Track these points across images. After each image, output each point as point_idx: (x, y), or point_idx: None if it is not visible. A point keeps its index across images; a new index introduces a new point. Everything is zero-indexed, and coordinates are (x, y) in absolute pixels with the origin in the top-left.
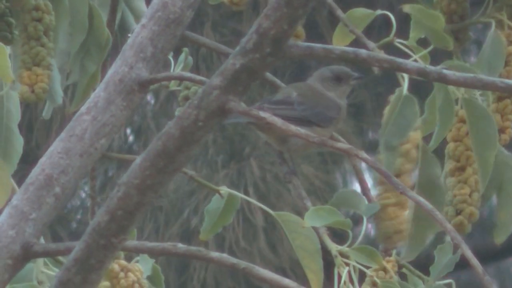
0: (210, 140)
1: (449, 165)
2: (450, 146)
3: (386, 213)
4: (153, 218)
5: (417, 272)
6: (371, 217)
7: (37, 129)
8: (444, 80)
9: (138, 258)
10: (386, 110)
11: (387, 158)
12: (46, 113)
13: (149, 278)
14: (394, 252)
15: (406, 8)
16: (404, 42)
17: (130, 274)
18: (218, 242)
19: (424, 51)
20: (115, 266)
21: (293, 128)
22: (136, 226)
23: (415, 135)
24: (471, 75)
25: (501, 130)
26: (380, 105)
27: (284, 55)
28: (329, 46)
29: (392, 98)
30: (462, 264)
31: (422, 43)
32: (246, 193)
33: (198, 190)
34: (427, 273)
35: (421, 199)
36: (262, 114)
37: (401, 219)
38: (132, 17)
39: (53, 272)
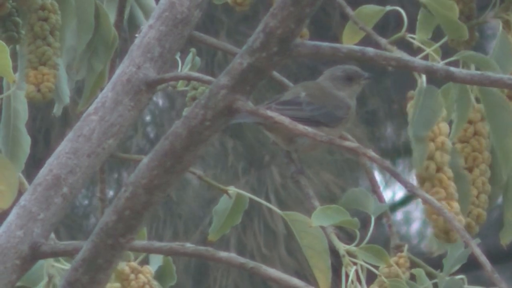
0: (230, 147)
1: None
2: (457, 147)
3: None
4: (172, 226)
5: (429, 267)
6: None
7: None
8: (451, 77)
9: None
10: (409, 106)
11: (418, 150)
12: (57, 110)
13: (160, 269)
14: (406, 248)
15: None
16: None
17: (140, 276)
18: (240, 249)
19: (436, 45)
20: (125, 268)
21: (301, 127)
22: (154, 234)
23: (444, 126)
24: (478, 72)
25: None
26: (393, 111)
27: (291, 54)
28: (336, 45)
29: (413, 93)
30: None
31: (434, 37)
32: (267, 199)
33: (219, 197)
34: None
35: (429, 197)
36: (270, 113)
37: (456, 210)
38: (141, 13)
39: (64, 266)
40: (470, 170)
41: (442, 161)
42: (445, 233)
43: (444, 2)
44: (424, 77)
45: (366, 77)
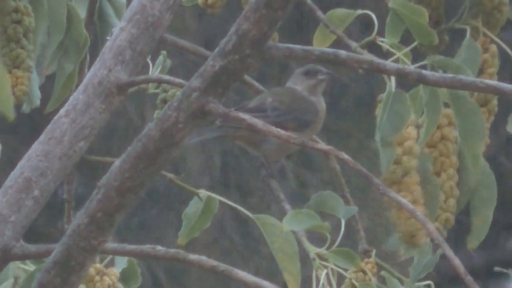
0: None
1: None
2: (425, 152)
3: (404, 213)
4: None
5: (396, 273)
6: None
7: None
8: (423, 80)
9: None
10: (378, 110)
11: (385, 154)
12: (25, 108)
13: (125, 271)
14: (373, 253)
15: (391, 2)
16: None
17: (105, 277)
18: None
19: (406, 49)
20: (90, 270)
21: (274, 129)
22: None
23: (411, 131)
24: (451, 75)
25: None
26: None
27: (263, 57)
28: (309, 47)
29: (382, 96)
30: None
31: (404, 41)
32: None
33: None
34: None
35: (402, 199)
36: (242, 115)
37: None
38: (112, 10)
39: (30, 268)
40: (438, 174)
41: (410, 166)
42: (411, 237)
43: (413, 8)
44: (393, 80)
45: (324, 73)
